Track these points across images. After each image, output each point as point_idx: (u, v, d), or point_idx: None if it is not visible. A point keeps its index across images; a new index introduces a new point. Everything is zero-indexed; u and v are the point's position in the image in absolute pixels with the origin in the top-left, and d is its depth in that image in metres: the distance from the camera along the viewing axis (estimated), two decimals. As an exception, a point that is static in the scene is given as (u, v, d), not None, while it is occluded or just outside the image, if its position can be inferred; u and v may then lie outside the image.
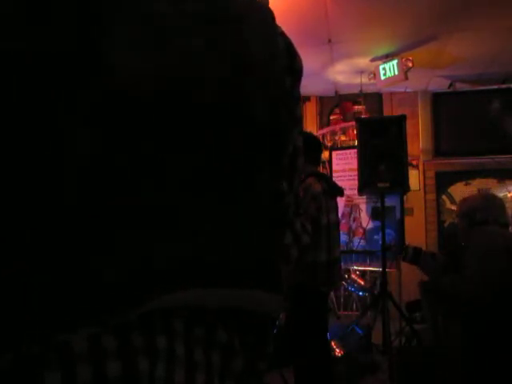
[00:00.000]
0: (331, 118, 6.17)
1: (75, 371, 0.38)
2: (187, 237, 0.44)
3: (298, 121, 0.67)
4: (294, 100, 0.64)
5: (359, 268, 4.65)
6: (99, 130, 0.40)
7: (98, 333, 0.39)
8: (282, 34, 0.63)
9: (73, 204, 0.38)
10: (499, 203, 2.69)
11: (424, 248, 5.40)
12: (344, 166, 4.70)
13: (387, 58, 4.66)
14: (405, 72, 4.55)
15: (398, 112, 5.18)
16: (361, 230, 4.43)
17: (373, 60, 4.78)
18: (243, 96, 0.50)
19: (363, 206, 4.48)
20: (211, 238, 0.46)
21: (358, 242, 4.39)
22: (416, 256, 2.96)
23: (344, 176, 4.64)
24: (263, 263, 0.52)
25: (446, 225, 5.72)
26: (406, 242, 3.69)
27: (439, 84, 5.51)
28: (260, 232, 0.53)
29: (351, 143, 5.27)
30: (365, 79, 5.14)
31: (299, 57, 0.66)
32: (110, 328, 0.40)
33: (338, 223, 2.82)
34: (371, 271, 4.69)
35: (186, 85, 0.45)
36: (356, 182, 3.89)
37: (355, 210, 4.53)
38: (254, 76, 0.53)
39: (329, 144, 5.56)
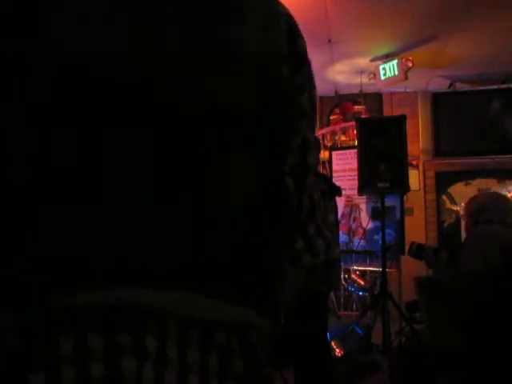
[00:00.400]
0: (331, 117, 6.16)
1: (60, 372, 0.38)
2: (120, 234, 0.43)
3: (305, 112, 0.60)
4: (296, 89, 0.58)
5: (359, 268, 4.65)
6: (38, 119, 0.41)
7: (85, 332, 0.39)
8: (287, 14, 0.59)
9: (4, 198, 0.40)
10: (508, 204, 2.66)
11: (424, 248, 5.39)
12: (344, 166, 4.70)
13: (387, 57, 4.66)
14: (405, 72, 4.55)
15: (397, 112, 5.18)
16: (361, 230, 4.42)
17: (373, 60, 4.78)
18: (208, 89, 0.48)
19: (363, 206, 4.47)
20: (141, 237, 0.44)
21: (357, 242, 4.39)
22: (419, 251, 3.00)
23: (344, 176, 4.64)
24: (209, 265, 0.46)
25: (445, 225, 5.72)
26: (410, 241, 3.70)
27: (439, 84, 5.51)
28: (210, 236, 0.47)
29: (351, 143, 5.27)
30: (365, 79, 5.13)
31: (302, 38, 0.61)
32: (97, 327, 0.40)
33: (336, 224, 2.82)
34: (371, 271, 4.69)
35: (142, 75, 0.45)
36: (356, 182, 3.89)
37: (355, 210, 4.53)
38: (236, 67, 0.50)
39: (329, 144, 5.56)
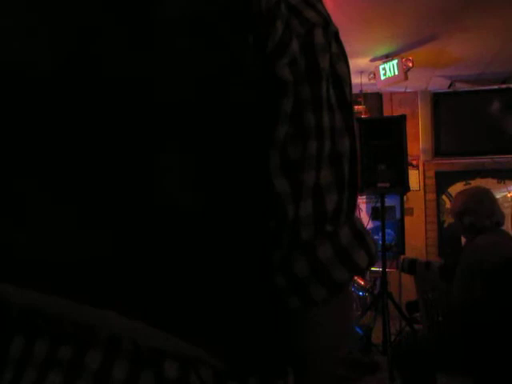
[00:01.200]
0: (331, 117, 6.15)
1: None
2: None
3: (286, 86, 0.45)
4: (265, 58, 0.44)
5: (359, 268, 4.64)
6: None
7: (34, 338, 0.38)
8: None
9: None
10: (488, 203, 2.54)
11: (424, 248, 5.41)
12: (344, 166, 4.70)
13: (387, 58, 4.66)
14: (405, 72, 4.55)
15: (398, 112, 5.18)
16: (361, 230, 4.42)
17: (373, 60, 4.78)
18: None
19: (363, 206, 4.48)
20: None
21: (357, 242, 4.38)
22: (411, 266, 3.01)
23: (344, 176, 4.64)
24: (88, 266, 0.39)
25: (445, 225, 5.72)
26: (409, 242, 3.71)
27: (439, 84, 5.51)
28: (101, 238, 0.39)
29: (351, 143, 5.26)
30: (365, 79, 5.13)
31: None
32: (46, 334, 0.39)
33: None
34: (371, 271, 4.69)
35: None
36: (356, 182, 3.89)
37: (355, 209, 4.52)
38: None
39: (329, 144, 5.55)
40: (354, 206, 0.49)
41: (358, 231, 0.48)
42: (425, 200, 5.71)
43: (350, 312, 0.55)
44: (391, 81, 4.67)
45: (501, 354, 2.15)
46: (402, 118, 3.73)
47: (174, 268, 0.40)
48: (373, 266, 0.49)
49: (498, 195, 5.32)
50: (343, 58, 0.50)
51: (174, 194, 0.41)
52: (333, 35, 0.49)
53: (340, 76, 0.49)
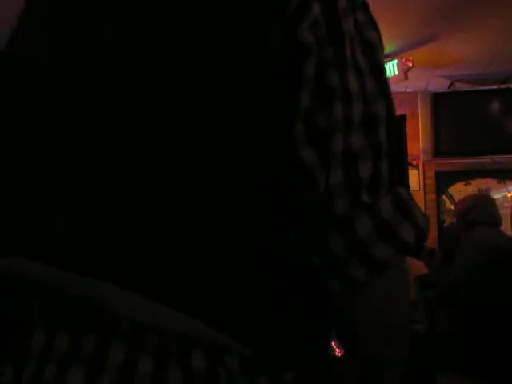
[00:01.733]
0: (331, 117, 6.15)
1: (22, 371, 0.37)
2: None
3: (308, 50, 0.43)
4: (284, 21, 0.42)
5: (359, 268, 4.65)
6: None
7: (55, 331, 0.37)
8: None
9: None
10: (489, 204, 2.82)
11: (424, 248, 5.39)
12: (344, 166, 4.70)
13: (387, 58, 4.65)
14: (405, 72, 4.55)
15: (398, 112, 5.15)
16: (361, 230, 4.42)
17: (373, 60, 4.79)
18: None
19: (363, 206, 4.47)
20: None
21: (357, 242, 4.39)
22: (418, 250, 3.08)
23: (344, 176, 4.64)
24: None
25: (445, 225, 5.72)
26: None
27: (439, 84, 5.50)
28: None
29: (351, 143, 5.26)
30: (365, 79, 5.14)
31: None
32: (67, 328, 0.38)
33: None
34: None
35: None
36: (356, 182, 3.89)
37: (355, 209, 4.53)
38: None
39: (329, 144, 5.55)
40: (396, 177, 0.44)
41: (402, 201, 0.43)
42: (425, 200, 5.70)
43: (404, 294, 0.47)
44: (391, 81, 4.66)
45: (501, 353, 2.15)
46: (402, 118, 3.73)
47: (199, 249, 0.38)
48: (423, 241, 0.44)
49: (498, 195, 5.32)
50: (373, 26, 0.50)
51: (194, 171, 0.39)
52: (360, 4, 0.50)
53: (371, 43, 0.48)
